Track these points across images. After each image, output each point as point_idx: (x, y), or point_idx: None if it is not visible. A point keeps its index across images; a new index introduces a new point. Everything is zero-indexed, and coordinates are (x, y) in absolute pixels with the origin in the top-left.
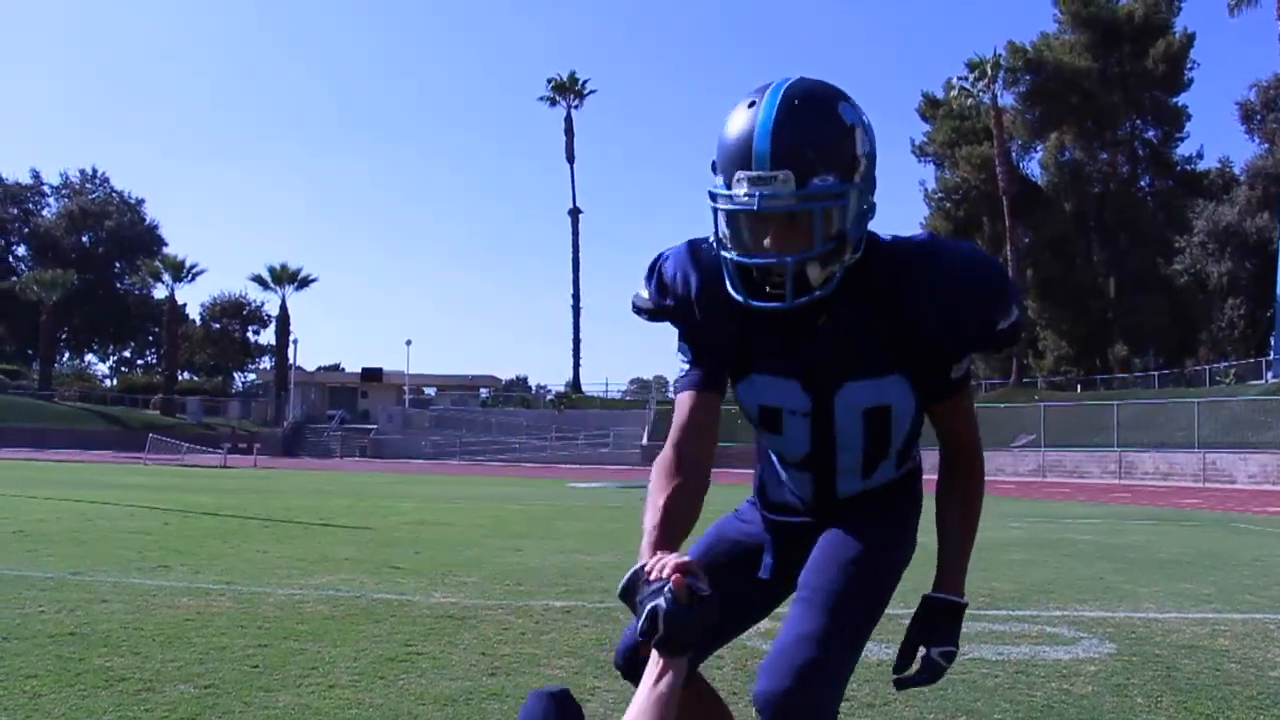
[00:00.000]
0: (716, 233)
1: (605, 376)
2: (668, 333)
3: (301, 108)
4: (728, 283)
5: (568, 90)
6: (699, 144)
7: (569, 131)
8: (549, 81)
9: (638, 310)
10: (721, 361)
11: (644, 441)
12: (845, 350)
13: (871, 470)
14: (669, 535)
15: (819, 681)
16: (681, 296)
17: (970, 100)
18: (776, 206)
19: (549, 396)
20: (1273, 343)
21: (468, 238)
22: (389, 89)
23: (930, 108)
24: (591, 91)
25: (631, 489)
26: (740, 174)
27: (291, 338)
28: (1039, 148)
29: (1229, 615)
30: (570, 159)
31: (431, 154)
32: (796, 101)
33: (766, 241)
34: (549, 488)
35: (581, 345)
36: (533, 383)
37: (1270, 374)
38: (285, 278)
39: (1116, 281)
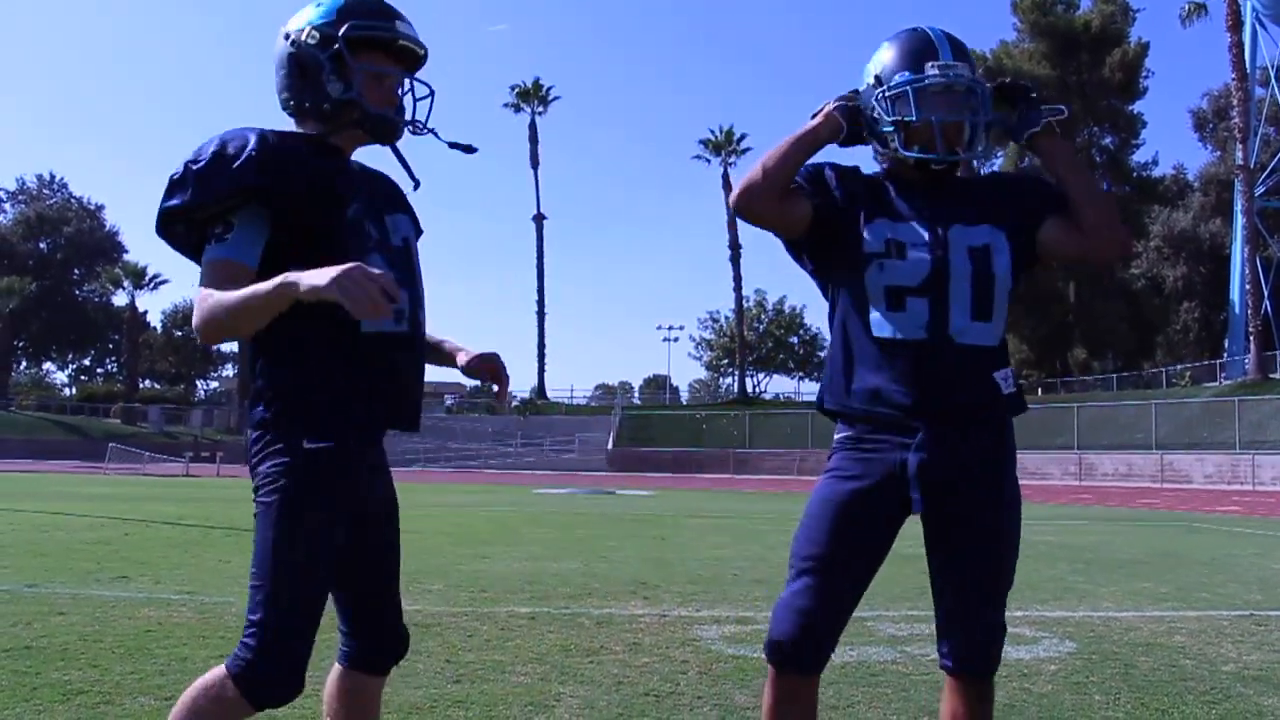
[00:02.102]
0: (888, 116)
1: (570, 382)
2: (634, 338)
3: (263, 113)
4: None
5: (532, 97)
6: (663, 150)
7: (533, 138)
8: (513, 88)
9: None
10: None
11: (609, 447)
12: (961, 201)
13: (978, 310)
14: None
15: (998, 653)
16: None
17: None
18: (964, 79)
19: (514, 403)
20: (1227, 345)
21: (431, 243)
22: None
23: None
24: (556, 98)
25: (598, 495)
26: (931, 63)
27: None
28: (1000, 154)
29: (1185, 613)
30: (535, 165)
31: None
32: (947, 33)
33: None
34: (514, 494)
35: (546, 351)
36: None
37: (1225, 376)
38: None
39: (1076, 286)
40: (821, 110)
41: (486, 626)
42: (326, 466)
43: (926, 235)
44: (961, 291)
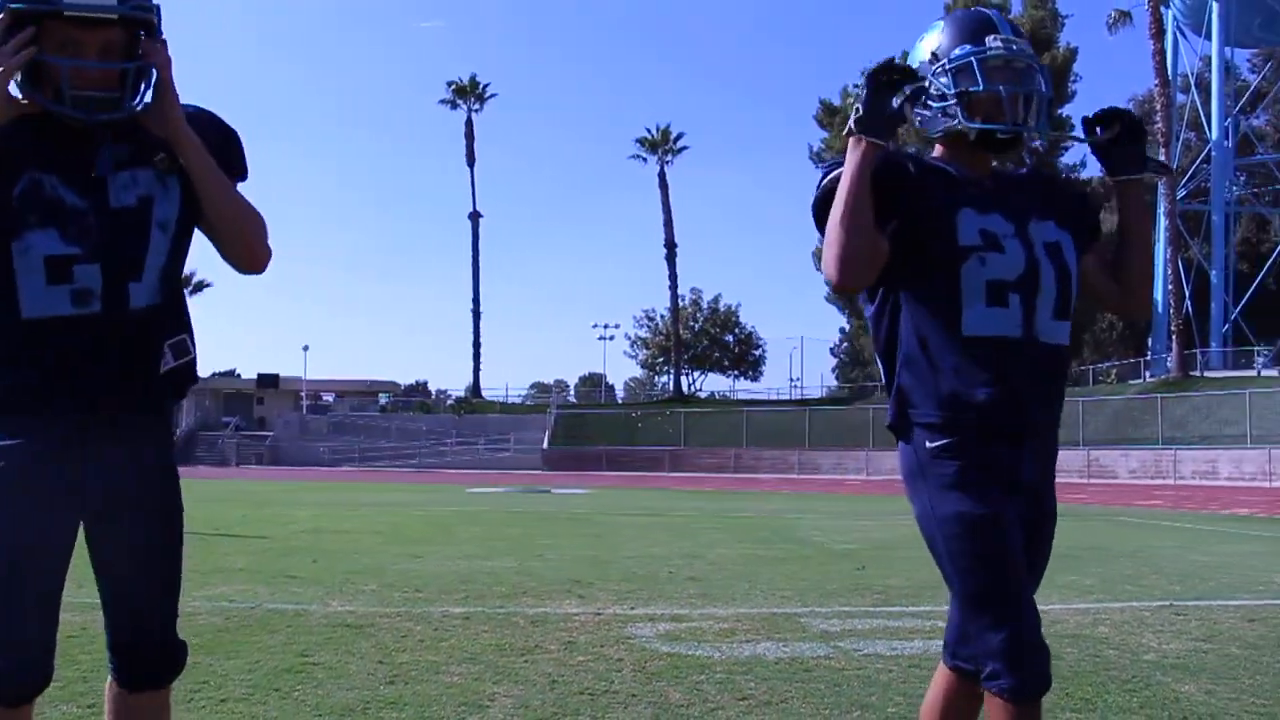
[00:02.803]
0: (954, 89)
1: (506, 381)
2: (569, 337)
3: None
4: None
5: (468, 94)
6: (600, 148)
7: (469, 135)
8: (449, 84)
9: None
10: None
11: (545, 446)
12: (1023, 194)
13: (1061, 309)
14: None
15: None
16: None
17: None
18: (1027, 54)
19: (449, 401)
20: (1150, 344)
21: (367, 242)
22: (281, 90)
23: (828, 115)
24: (493, 95)
25: (533, 494)
26: (992, 37)
27: None
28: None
29: (1109, 604)
30: (471, 163)
31: (328, 157)
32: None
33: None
34: (449, 493)
35: (482, 350)
36: (432, 387)
37: (1149, 373)
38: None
39: None
40: (849, 136)
41: (420, 627)
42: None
43: (1012, 227)
44: (1049, 287)
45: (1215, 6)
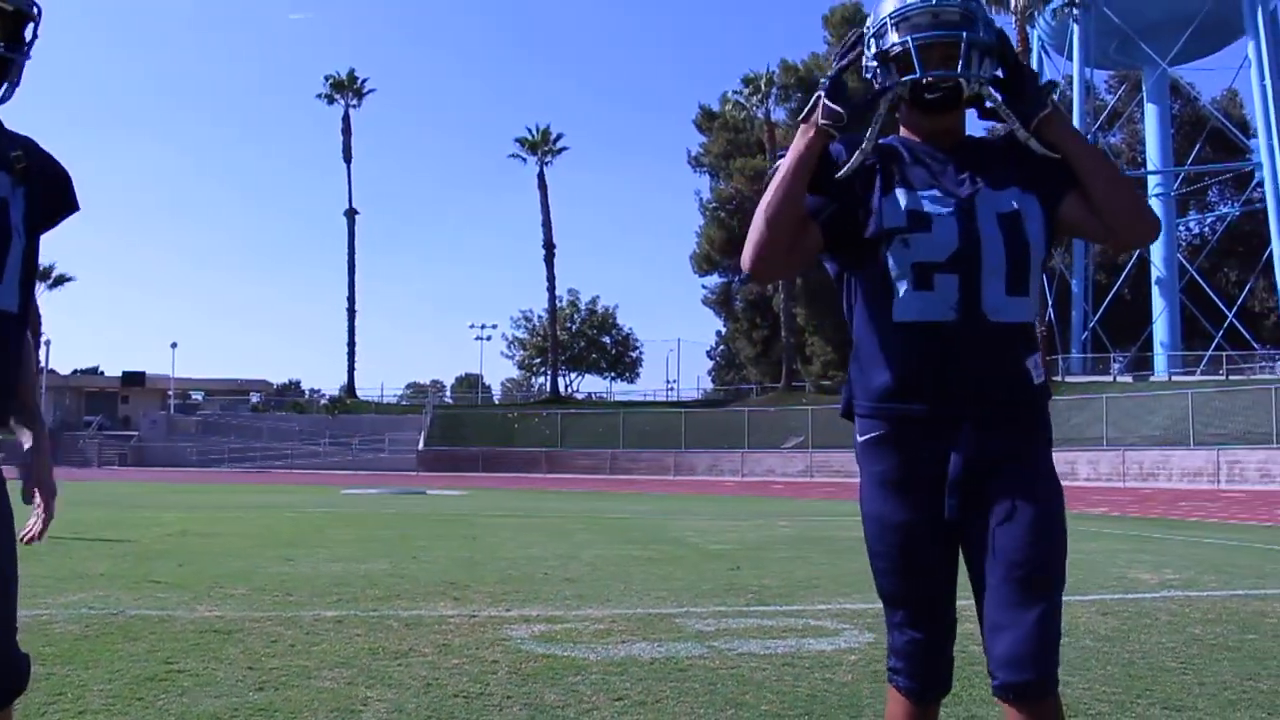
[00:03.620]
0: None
1: (381, 381)
2: (446, 337)
3: (54, 100)
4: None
5: (346, 89)
6: (479, 148)
7: (346, 130)
8: (327, 79)
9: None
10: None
11: (420, 447)
12: (983, 163)
13: (1015, 283)
14: None
15: (1055, 659)
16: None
17: (745, 114)
18: (954, 5)
19: (323, 401)
20: None
21: (239, 238)
22: (143, 83)
23: (707, 120)
24: (371, 90)
25: (408, 495)
26: None
27: (44, 339)
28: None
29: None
30: (347, 159)
31: (198, 153)
32: None
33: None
34: (322, 495)
35: (357, 349)
36: (306, 387)
37: None
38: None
39: None
40: (807, 111)
41: (291, 631)
42: None
43: (951, 203)
44: (996, 262)
45: (1076, 29)
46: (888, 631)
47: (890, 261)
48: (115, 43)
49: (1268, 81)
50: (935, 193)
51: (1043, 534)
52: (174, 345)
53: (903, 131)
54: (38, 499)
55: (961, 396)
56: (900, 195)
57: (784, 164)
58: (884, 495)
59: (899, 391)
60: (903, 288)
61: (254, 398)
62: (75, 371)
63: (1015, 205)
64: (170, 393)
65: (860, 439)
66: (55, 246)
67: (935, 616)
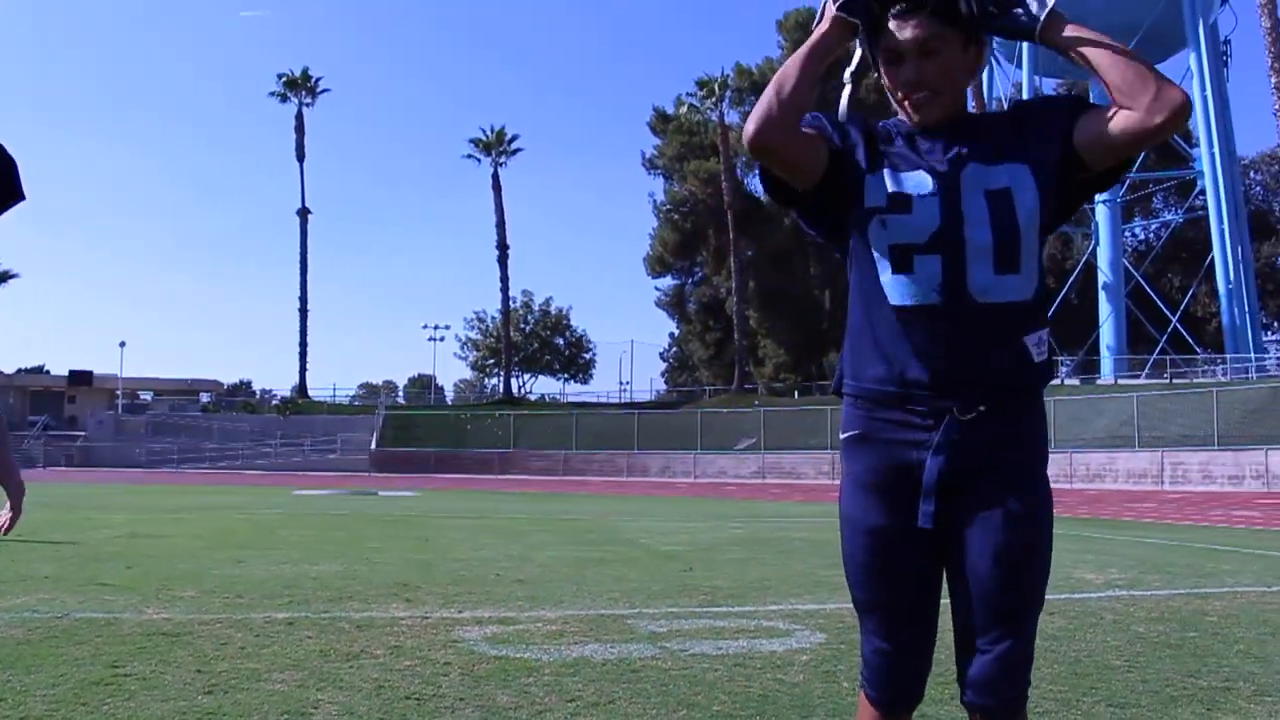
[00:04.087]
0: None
1: (333, 381)
2: (399, 337)
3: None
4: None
5: (300, 87)
6: (433, 148)
7: (300, 129)
8: (280, 77)
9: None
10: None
11: (373, 447)
12: (978, 139)
13: (1004, 262)
14: None
15: (1026, 681)
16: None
17: (699, 117)
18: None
19: (274, 401)
20: None
21: (190, 237)
22: (97, 81)
23: (661, 122)
24: (325, 90)
25: (360, 496)
26: None
27: None
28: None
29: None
30: (300, 158)
31: (148, 151)
32: None
33: None
34: (273, 496)
35: (309, 349)
36: (257, 387)
37: None
38: None
39: (831, 294)
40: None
41: (241, 634)
42: None
43: (934, 182)
44: (982, 242)
45: None
46: (860, 637)
47: (872, 242)
48: (58, 41)
49: (1208, 92)
50: (920, 173)
51: (1021, 564)
52: (122, 344)
53: (899, 116)
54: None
55: (950, 381)
56: (886, 175)
57: (800, 49)
58: (860, 497)
59: (881, 375)
60: (885, 270)
61: (204, 398)
62: (20, 370)
63: (1006, 182)
64: (118, 392)
65: (842, 436)
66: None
67: (906, 626)
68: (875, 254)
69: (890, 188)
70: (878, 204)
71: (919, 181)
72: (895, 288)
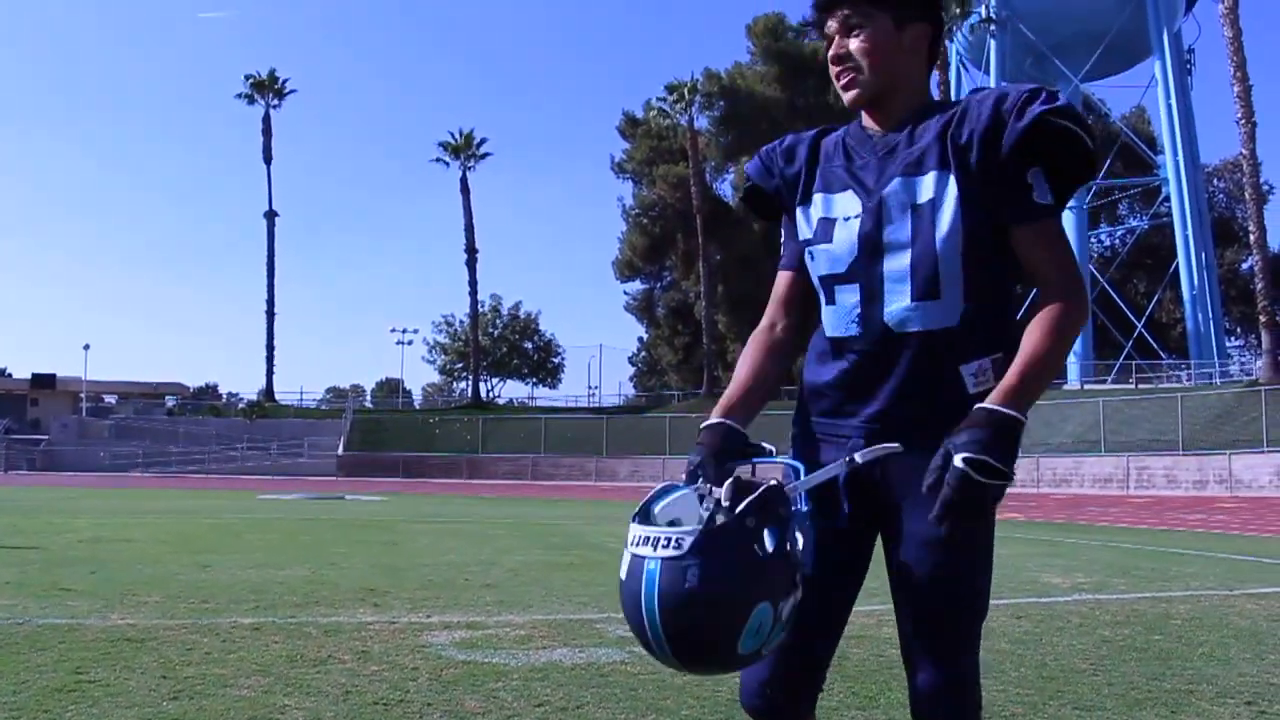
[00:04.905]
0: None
1: (300, 385)
2: (367, 341)
3: None
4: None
5: (267, 89)
6: (402, 151)
7: (267, 131)
8: (247, 78)
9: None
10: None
11: (340, 451)
12: (911, 147)
13: (923, 289)
14: (741, 403)
15: (972, 698)
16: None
17: (668, 121)
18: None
19: (240, 405)
20: None
21: (155, 239)
22: (55, 82)
23: (630, 126)
24: (292, 91)
25: (327, 500)
26: None
27: None
28: (731, 170)
29: (891, 606)
30: (268, 160)
31: (113, 154)
32: None
33: None
34: (239, 500)
35: (275, 352)
36: (223, 390)
37: None
38: None
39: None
40: None
41: (207, 639)
42: None
43: (860, 202)
44: (898, 267)
45: (993, 44)
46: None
47: (811, 276)
48: (10, 38)
49: (1173, 100)
50: (848, 194)
51: (947, 593)
52: (86, 347)
53: (864, 119)
54: None
55: (867, 414)
56: (817, 202)
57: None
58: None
59: (810, 398)
60: (820, 303)
61: (169, 401)
62: None
63: (930, 195)
64: (82, 395)
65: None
66: None
67: (801, 630)
68: (813, 287)
69: (820, 213)
70: (808, 235)
71: (846, 204)
72: (826, 318)
